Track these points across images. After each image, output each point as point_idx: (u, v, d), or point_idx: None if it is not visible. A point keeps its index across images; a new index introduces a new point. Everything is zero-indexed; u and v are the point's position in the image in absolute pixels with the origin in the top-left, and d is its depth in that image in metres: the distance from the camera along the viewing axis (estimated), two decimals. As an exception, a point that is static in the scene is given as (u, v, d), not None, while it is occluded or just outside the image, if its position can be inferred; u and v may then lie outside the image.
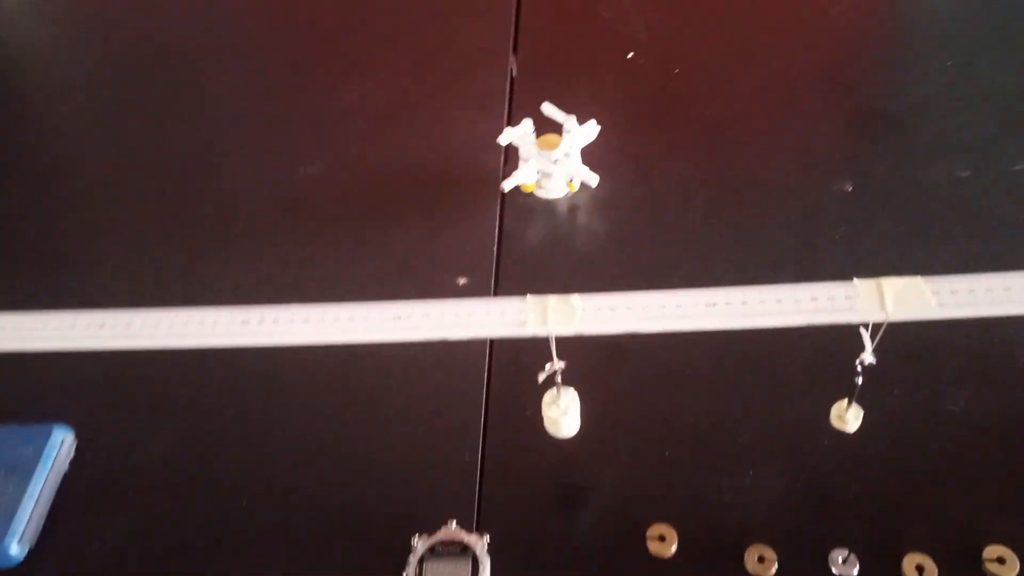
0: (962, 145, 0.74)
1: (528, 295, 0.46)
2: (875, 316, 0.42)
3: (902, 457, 0.55)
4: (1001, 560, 0.49)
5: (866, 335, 0.45)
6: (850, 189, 0.71)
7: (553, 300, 0.45)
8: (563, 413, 0.51)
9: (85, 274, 0.72)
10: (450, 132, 0.82)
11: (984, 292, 0.41)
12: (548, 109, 0.74)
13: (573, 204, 0.74)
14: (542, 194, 0.74)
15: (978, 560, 0.49)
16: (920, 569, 0.49)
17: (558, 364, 0.48)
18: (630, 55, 0.88)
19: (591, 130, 0.72)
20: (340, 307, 0.48)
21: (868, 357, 0.45)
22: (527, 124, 0.73)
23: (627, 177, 0.75)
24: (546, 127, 0.73)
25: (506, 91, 0.85)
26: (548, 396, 0.52)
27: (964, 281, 0.42)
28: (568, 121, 0.72)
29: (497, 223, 0.73)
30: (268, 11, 1.01)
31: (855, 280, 0.43)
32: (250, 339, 0.47)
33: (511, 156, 0.77)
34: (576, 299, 0.45)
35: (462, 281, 0.69)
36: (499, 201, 0.75)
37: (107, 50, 0.97)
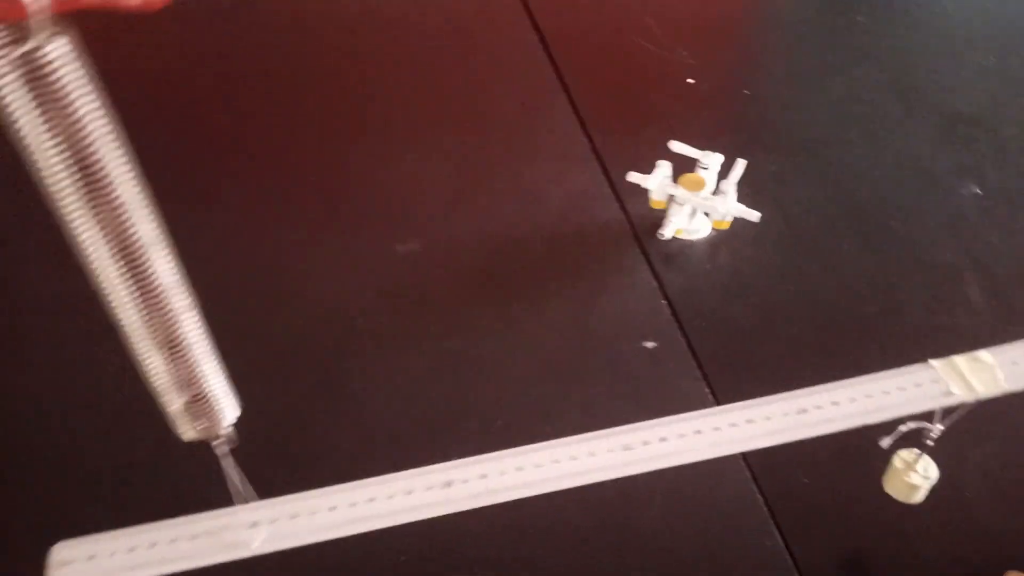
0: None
1: (930, 360, 0.42)
2: None
3: None
4: None
5: None
6: None
7: (962, 361, 0.41)
8: (925, 478, 0.47)
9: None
10: (543, 188, 0.75)
11: None
12: (678, 147, 0.70)
13: (715, 243, 0.70)
14: (685, 236, 0.70)
15: None
16: None
17: (937, 428, 0.44)
18: (690, 81, 0.85)
19: (739, 164, 0.69)
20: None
21: None
22: (665, 167, 0.68)
23: (762, 210, 0.72)
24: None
25: (581, 135, 0.80)
26: (899, 460, 0.47)
27: None
28: (708, 157, 0.68)
29: (651, 274, 0.68)
30: (301, 91, 0.89)
31: None
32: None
33: (627, 201, 0.72)
34: (985, 355, 0.42)
35: (650, 345, 0.63)
36: (640, 250, 0.69)
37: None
